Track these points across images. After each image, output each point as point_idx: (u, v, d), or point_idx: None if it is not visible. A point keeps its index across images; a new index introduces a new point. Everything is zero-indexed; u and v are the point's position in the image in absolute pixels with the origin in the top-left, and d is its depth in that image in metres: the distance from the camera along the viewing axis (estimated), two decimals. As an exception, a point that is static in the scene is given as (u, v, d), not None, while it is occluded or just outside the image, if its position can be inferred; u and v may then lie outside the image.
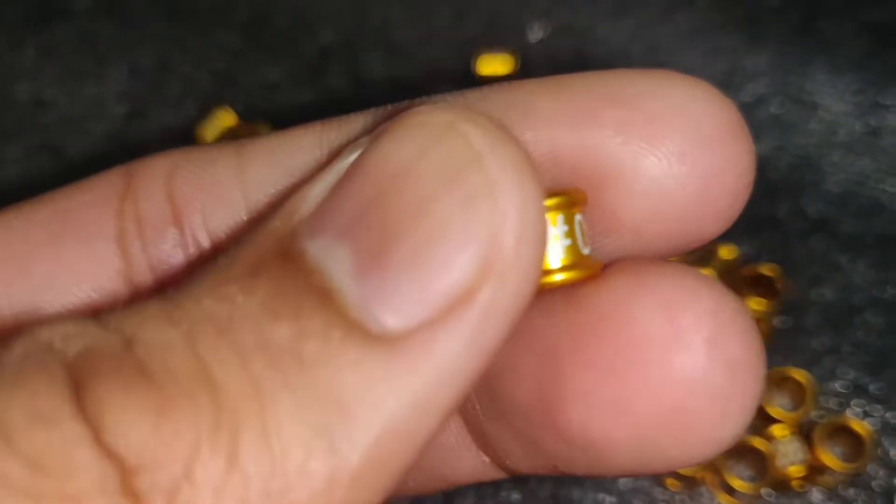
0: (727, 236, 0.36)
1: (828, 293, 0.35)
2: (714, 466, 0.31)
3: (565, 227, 0.15)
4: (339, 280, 0.13)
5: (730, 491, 0.30)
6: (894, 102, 0.39)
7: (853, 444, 0.31)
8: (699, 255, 0.34)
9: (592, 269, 0.16)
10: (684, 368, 0.15)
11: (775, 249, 0.36)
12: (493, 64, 0.39)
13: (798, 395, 0.32)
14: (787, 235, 0.36)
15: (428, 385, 0.12)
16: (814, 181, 0.37)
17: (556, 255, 0.15)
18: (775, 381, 0.32)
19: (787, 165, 0.38)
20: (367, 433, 0.12)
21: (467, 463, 0.19)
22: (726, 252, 0.34)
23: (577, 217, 0.15)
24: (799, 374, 0.32)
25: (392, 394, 0.12)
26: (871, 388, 0.33)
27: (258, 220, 0.15)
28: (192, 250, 0.17)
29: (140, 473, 0.11)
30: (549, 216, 0.15)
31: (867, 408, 0.32)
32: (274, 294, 0.13)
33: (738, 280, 0.34)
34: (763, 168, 0.38)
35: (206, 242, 0.17)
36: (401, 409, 0.12)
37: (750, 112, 0.39)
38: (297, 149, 0.17)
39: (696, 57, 0.41)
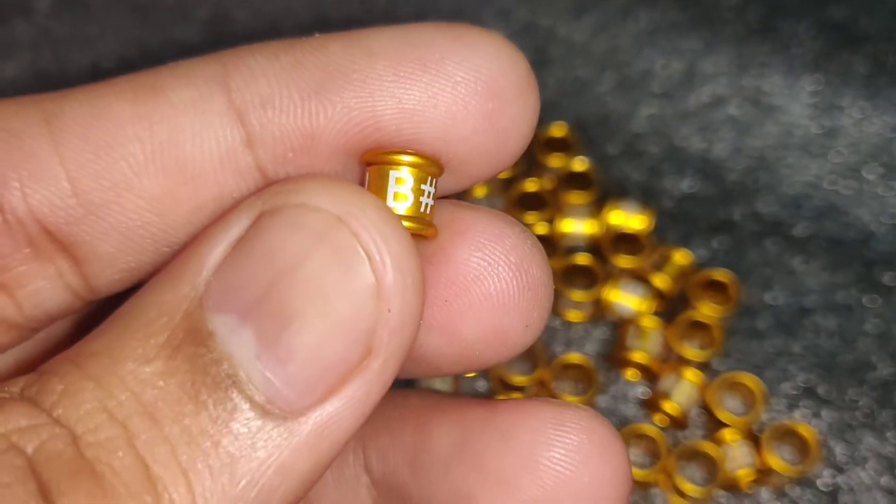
0: (682, 240, 0.36)
1: (780, 296, 0.35)
2: (665, 470, 0.31)
3: (417, 185, 0.17)
4: (245, 368, 0.15)
5: (682, 493, 0.31)
6: (849, 104, 0.39)
7: (801, 445, 0.32)
8: (655, 261, 0.35)
9: (432, 228, 0.18)
10: (500, 295, 0.18)
11: (730, 252, 0.36)
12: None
13: (749, 398, 0.32)
14: (742, 238, 0.37)
15: (321, 453, 0.16)
16: (769, 183, 0.38)
17: (403, 205, 0.17)
18: (727, 386, 0.32)
19: (744, 168, 0.38)
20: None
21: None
22: (681, 257, 0.35)
23: (430, 182, 0.17)
24: (749, 380, 0.32)
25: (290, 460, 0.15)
26: (820, 390, 0.34)
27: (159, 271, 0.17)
28: (17, 230, 0.17)
29: None
30: (409, 172, 0.17)
31: (815, 409, 0.33)
32: (190, 380, 0.15)
33: (692, 285, 0.34)
34: (720, 170, 0.38)
35: (29, 221, 0.17)
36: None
37: (708, 113, 0.40)
38: (115, 121, 0.17)
39: (655, 57, 0.41)
